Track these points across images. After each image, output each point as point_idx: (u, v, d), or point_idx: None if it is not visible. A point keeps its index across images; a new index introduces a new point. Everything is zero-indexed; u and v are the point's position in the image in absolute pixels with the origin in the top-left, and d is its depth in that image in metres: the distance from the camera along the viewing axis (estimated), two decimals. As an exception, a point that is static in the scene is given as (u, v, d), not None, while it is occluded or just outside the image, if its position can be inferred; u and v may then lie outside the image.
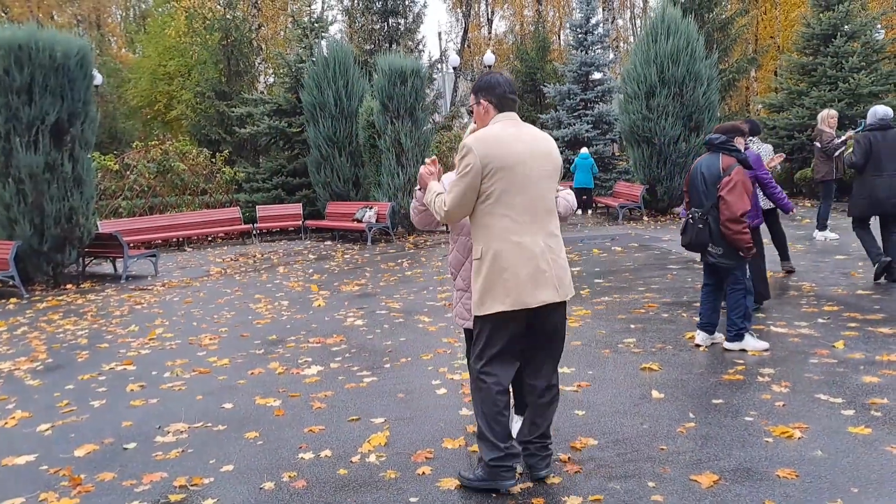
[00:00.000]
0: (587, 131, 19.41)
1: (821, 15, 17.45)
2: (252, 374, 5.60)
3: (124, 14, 37.27)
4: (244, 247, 15.46)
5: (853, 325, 5.87)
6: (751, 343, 5.35)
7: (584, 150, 17.97)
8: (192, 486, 3.62)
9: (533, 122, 24.75)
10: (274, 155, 18.63)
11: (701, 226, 5.23)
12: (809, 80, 17.63)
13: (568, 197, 3.63)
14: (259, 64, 25.10)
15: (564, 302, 3.33)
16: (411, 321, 7.11)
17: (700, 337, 5.60)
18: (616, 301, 7.49)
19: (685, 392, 4.62)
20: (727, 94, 22.01)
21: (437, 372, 5.34)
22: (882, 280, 7.36)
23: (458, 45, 34.22)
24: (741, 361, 5.12)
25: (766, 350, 5.31)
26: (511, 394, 3.55)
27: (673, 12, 15.11)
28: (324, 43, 17.39)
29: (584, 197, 18.07)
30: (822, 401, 4.27)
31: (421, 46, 23.23)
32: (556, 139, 19.99)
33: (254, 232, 16.48)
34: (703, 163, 5.34)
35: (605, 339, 5.98)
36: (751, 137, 8.69)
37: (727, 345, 5.42)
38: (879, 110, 7.30)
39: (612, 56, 26.93)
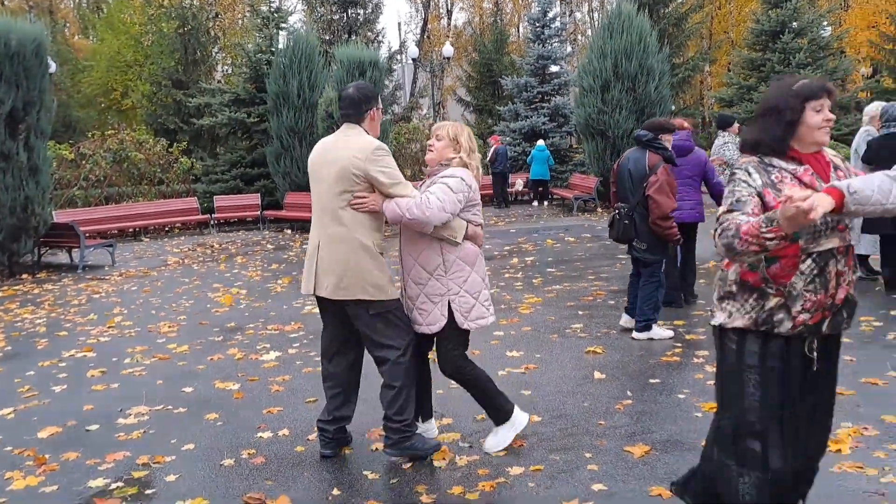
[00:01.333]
0: (544, 124, 19.75)
1: (770, 12, 18.05)
2: (211, 359, 5.74)
3: (78, 0, 36.45)
4: (202, 237, 15.43)
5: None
6: (657, 332, 5.60)
7: (541, 142, 18.30)
8: (154, 463, 3.79)
9: (490, 114, 25.10)
10: (232, 145, 18.56)
11: (627, 221, 5.45)
12: (759, 76, 18.24)
13: (400, 203, 3.38)
14: (216, 53, 24.86)
15: (368, 301, 3.44)
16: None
17: (624, 318, 5.94)
18: (566, 289, 7.79)
19: (625, 373, 4.92)
20: (682, 89, 22.57)
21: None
22: None
23: (418, 37, 34.31)
24: (679, 345, 5.44)
25: (671, 338, 5.54)
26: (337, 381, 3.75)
27: (628, 8, 15.47)
28: (284, 33, 17.36)
29: (541, 188, 18.42)
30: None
31: (380, 37, 23.30)
32: (514, 131, 20.31)
33: (211, 222, 16.44)
34: (631, 158, 5.53)
35: (553, 325, 6.26)
36: (721, 131, 9.08)
37: (635, 335, 5.64)
38: (889, 109, 7.63)
39: (569, 49, 27.34)
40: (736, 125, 8.97)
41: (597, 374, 4.85)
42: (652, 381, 4.70)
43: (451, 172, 3.52)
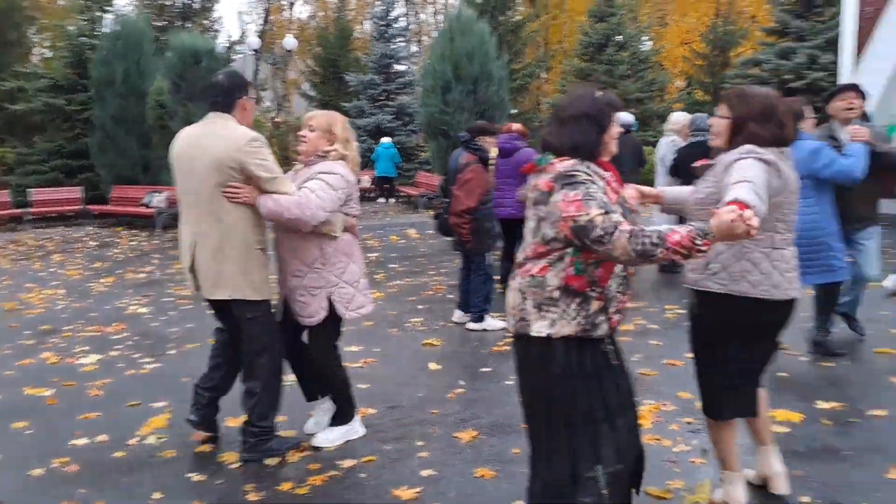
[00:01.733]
0: (389, 121, 19.88)
1: (596, 24, 19.29)
2: (21, 364, 5.27)
3: None
4: (14, 234, 14.06)
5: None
6: (490, 323, 5.85)
7: (387, 139, 18.41)
8: (-53, 480, 3.42)
9: (335, 110, 24.81)
10: (51, 135, 17.06)
11: (446, 216, 5.72)
12: (587, 84, 19.44)
13: (279, 201, 3.27)
14: (33, 35, 22.70)
15: (248, 301, 3.35)
16: (201, 308, 6.99)
17: (456, 314, 6.12)
18: (408, 284, 7.91)
19: (459, 363, 5.08)
20: (521, 94, 23.53)
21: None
22: None
23: (259, 27, 33.28)
24: (510, 335, 5.69)
25: (503, 329, 5.75)
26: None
27: (468, 13, 15.93)
28: (111, 16, 16.19)
29: (387, 186, 18.53)
30: (571, 365, 4.91)
31: (218, 26, 22.35)
32: (359, 128, 20.25)
33: (26, 217, 15.02)
34: (454, 158, 5.84)
35: (393, 319, 6.34)
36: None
37: (470, 325, 5.88)
38: (622, 116, 8.32)
39: (414, 49, 27.71)
40: None
41: (432, 366, 4.98)
42: (484, 369, 4.89)
43: (330, 168, 3.44)
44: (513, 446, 3.63)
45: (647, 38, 22.18)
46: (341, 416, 3.78)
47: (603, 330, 2.34)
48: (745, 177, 2.46)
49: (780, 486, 3.03)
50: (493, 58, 15.97)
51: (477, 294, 5.81)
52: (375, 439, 3.77)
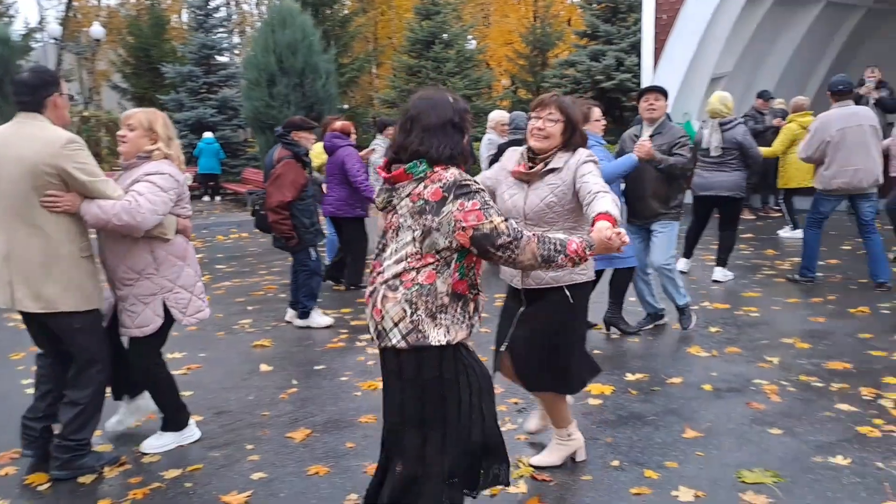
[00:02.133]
0: (212, 115, 19.01)
1: (422, 22, 19.61)
2: None
3: None
4: None
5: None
6: (316, 319, 5.79)
7: (209, 134, 17.60)
8: None
9: (151, 103, 23.37)
10: None
11: (263, 212, 5.63)
12: (417, 81, 19.73)
13: (104, 207, 3.07)
14: None
15: (73, 313, 3.14)
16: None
17: (289, 313, 6.02)
18: (236, 285, 7.64)
19: (292, 362, 5.00)
20: (351, 88, 23.42)
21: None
22: None
23: (61, 13, 30.53)
24: (345, 331, 5.69)
25: (329, 325, 5.76)
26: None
27: (290, 5, 15.62)
28: None
29: (212, 183, 17.73)
30: (403, 356, 5.00)
31: (12, 11, 20.24)
32: (179, 122, 19.20)
33: None
34: (271, 153, 5.79)
35: (220, 322, 6.10)
36: (379, 134, 9.54)
37: (297, 322, 5.81)
38: None
39: (237, 40, 26.69)
40: (390, 129, 9.59)
41: (263, 367, 4.86)
42: (317, 367, 4.85)
43: (157, 168, 3.25)
44: (347, 440, 3.64)
45: (471, 36, 22.89)
46: (173, 423, 3.62)
47: (476, 328, 2.46)
48: (603, 187, 2.76)
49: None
50: (318, 51, 15.79)
51: (301, 290, 5.75)
52: (202, 447, 3.63)
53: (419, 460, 2.39)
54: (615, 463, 3.29)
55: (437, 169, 2.29)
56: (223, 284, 7.67)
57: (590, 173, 2.87)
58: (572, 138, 2.99)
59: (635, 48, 16.14)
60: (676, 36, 11.68)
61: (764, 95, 10.39)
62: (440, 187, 2.26)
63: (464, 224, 2.23)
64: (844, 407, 3.79)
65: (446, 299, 2.32)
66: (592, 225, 2.49)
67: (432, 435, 2.39)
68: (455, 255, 2.32)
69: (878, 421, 3.59)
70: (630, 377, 4.37)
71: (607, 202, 2.61)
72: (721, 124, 6.34)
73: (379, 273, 2.39)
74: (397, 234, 2.35)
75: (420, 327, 2.30)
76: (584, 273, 3.05)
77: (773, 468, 3.17)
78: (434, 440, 2.39)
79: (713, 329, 5.30)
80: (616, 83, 17.46)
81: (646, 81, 12.14)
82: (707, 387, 4.17)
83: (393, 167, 2.38)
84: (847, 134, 6.08)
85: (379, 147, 9.28)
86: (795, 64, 12.92)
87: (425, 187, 2.27)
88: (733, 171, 6.33)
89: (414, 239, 2.30)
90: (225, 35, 21.18)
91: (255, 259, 9.23)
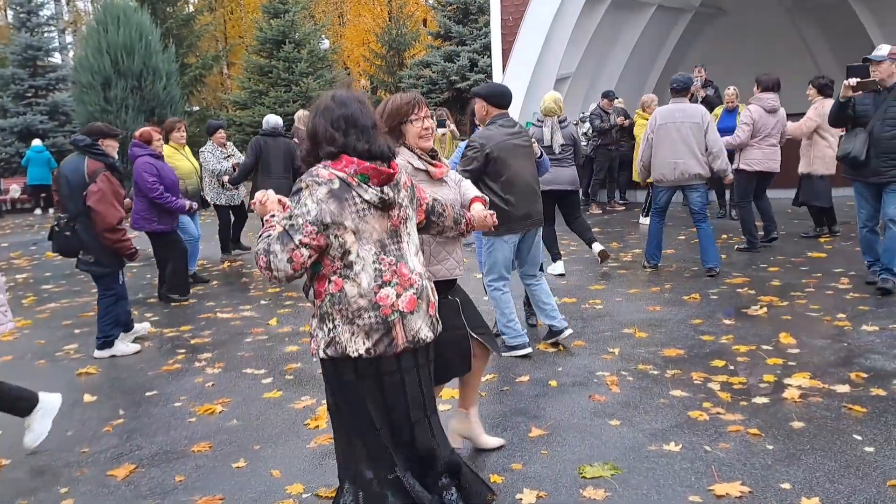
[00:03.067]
0: (41, 122, 17.49)
1: (271, 21, 19.00)
2: None
3: None
4: None
5: (289, 303, 6.62)
6: (121, 348, 5.29)
7: (38, 141, 16.17)
8: None
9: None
10: None
11: (69, 233, 5.00)
12: (268, 81, 19.09)
13: None
14: None
15: None
16: None
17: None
18: (64, 306, 7.00)
19: (121, 390, 4.59)
20: (197, 89, 22.32)
21: None
22: None
23: None
24: (182, 351, 5.32)
25: (138, 352, 5.31)
26: None
27: (125, 3, 14.65)
28: None
29: (43, 194, 16.30)
30: (247, 374, 4.72)
31: None
32: (4, 129, 17.54)
33: None
34: (68, 165, 5.09)
35: (42, 349, 5.54)
36: (210, 138, 9.04)
37: (96, 353, 5.25)
38: (271, 119, 8.38)
39: (69, 40, 24.75)
40: (220, 133, 9.11)
41: (87, 397, 4.43)
42: (148, 393, 4.48)
43: None
44: (176, 474, 3.36)
45: (324, 36, 22.46)
46: (22, 409, 3.59)
47: None
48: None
49: (489, 442, 3.44)
50: (157, 51, 14.93)
51: (104, 318, 5.19)
52: (6, 496, 3.22)
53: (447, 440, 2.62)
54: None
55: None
56: (49, 306, 6.99)
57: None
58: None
59: (487, 49, 16.45)
60: (522, 37, 11.96)
61: (609, 95, 10.93)
62: (405, 172, 2.58)
63: (420, 199, 2.61)
64: (677, 393, 3.94)
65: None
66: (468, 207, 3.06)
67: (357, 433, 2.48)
68: None
69: (706, 404, 3.76)
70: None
71: (473, 188, 3.27)
72: (560, 122, 6.57)
73: (412, 271, 2.42)
74: (407, 226, 2.47)
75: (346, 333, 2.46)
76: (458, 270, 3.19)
77: (611, 460, 3.22)
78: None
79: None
80: (471, 83, 17.71)
81: (497, 82, 12.37)
82: (553, 383, 4.22)
83: (378, 163, 2.35)
84: (669, 130, 6.47)
85: (208, 154, 8.81)
86: (633, 64, 13.62)
87: (401, 176, 2.48)
88: (571, 166, 6.72)
89: (418, 224, 2.61)
90: (54, 35, 19.56)
91: (87, 277, 8.46)
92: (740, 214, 7.68)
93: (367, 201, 2.31)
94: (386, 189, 2.35)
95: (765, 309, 5.41)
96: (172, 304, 6.72)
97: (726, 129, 9.15)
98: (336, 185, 2.29)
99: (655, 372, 4.29)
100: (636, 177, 9.48)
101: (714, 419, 3.58)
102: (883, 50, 5.37)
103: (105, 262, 5.07)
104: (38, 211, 16.33)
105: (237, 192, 8.94)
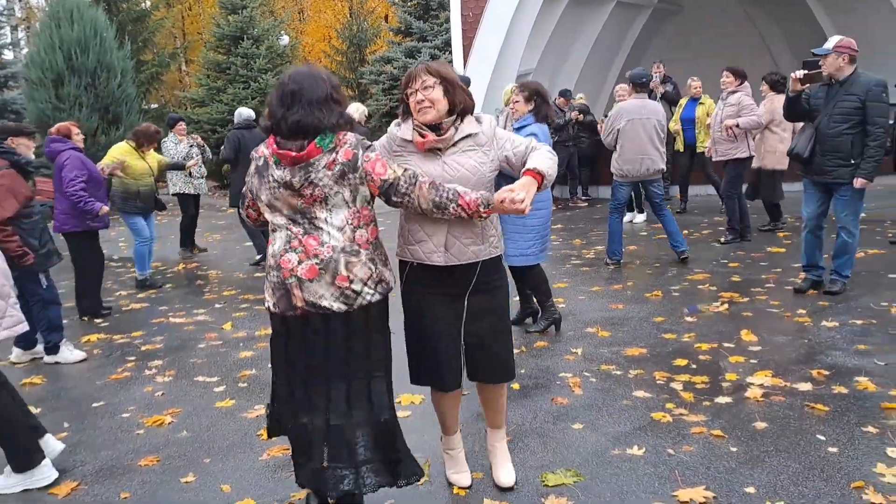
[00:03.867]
0: (-9, 121, 16.91)
1: (229, 17, 18.64)
2: None
3: None
4: None
5: (245, 305, 6.43)
6: (66, 355, 5.12)
7: (-13, 142, 15.61)
8: None
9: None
10: None
11: None
12: (226, 78, 18.72)
13: None
14: None
15: None
16: None
17: (14, 352, 5.24)
18: (10, 313, 6.69)
19: (66, 401, 4.40)
20: (154, 87, 21.81)
21: None
22: None
23: None
24: (132, 358, 5.12)
25: (83, 360, 5.14)
26: None
27: (77, -3, 14.20)
28: None
29: None
30: (199, 383, 4.55)
31: None
32: (-50, 129, 16.91)
33: None
34: None
35: (-16, 359, 5.28)
36: (171, 130, 8.83)
37: (46, 358, 5.12)
38: (244, 112, 8.21)
39: (21, 36, 23.96)
40: (181, 124, 8.91)
41: (31, 409, 4.19)
42: (95, 404, 4.29)
43: None
44: (122, 490, 3.20)
45: (284, 32, 22.11)
46: (18, 461, 3.30)
47: None
48: (532, 142, 2.82)
49: (499, 477, 3.07)
50: (112, 48, 14.51)
51: (40, 324, 4.98)
52: (-64, 521, 3.03)
53: (391, 405, 2.71)
54: (422, 481, 3.11)
55: (339, 135, 2.53)
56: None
57: (511, 136, 2.82)
58: (456, 97, 2.73)
59: (449, 45, 16.33)
60: (483, 33, 11.88)
61: (565, 95, 11.00)
62: (349, 148, 2.52)
63: (372, 175, 2.53)
64: (640, 394, 3.89)
65: (382, 247, 2.68)
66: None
67: (386, 378, 2.70)
68: (372, 205, 2.65)
69: (670, 405, 3.71)
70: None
71: (539, 157, 2.67)
72: None
73: (322, 244, 2.52)
74: (325, 204, 2.53)
75: (383, 277, 2.64)
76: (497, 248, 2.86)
77: (574, 466, 3.15)
78: (388, 382, 2.72)
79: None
80: (432, 80, 17.57)
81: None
82: (515, 386, 4.12)
83: (291, 145, 2.50)
84: (636, 126, 6.51)
85: (170, 144, 8.64)
86: (594, 60, 13.64)
87: (337, 153, 2.50)
88: None
89: (346, 201, 2.54)
90: (5, 31, 18.93)
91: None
92: (728, 205, 7.64)
93: (276, 180, 2.54)
94: (292, 172, 2.50)
95: (726, 305, 5.40)
96: (96, 320, 6.31)
97: (689, 119, 9.25)
98: (261, 162, 2.62)
99: (618, 372, 4.23)
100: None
101: (677, 421, 3.53)
102: (829, 43, 5.23)
103: (16, 265, 4.71)
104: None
105: (203, 182, 8.73)
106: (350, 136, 2.56)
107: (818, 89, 5.33)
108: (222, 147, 8.20)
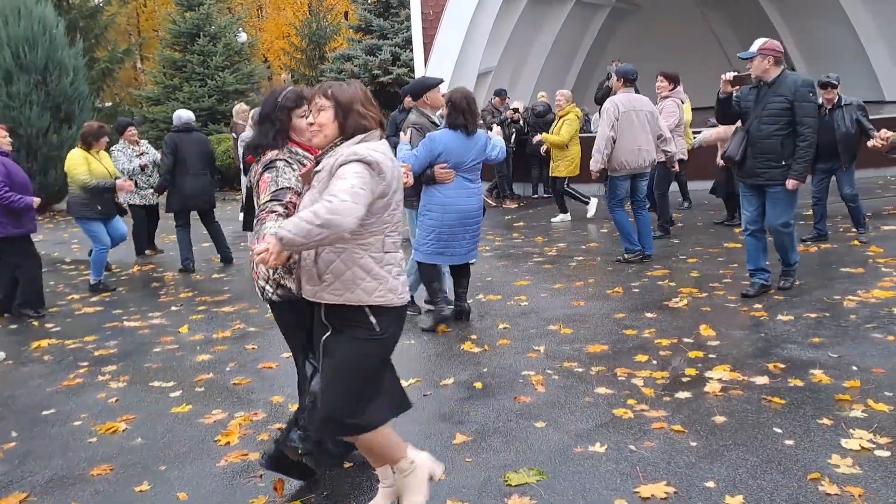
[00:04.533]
0: (-65, 120, 16.33)
1: (185, 14, 18.32)
2: None
3: None
4: None
5: (202, 308, 6.30)
6: None
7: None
8: None
9: None
10: None
11: None
12: (182, 76, 18.40)
13: None
14: None
15: None
16: None
17: None
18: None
19: (14, 409, 4.25)
20: (107, 84, 21.30)
21: None
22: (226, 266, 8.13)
23: None
24: (85, 364, 4.97)
25: (2, 360, 5.06)
26: None
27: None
28: None
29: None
30: (154, 388, 4.43)
31: None
32: None
33: None
34: None
35: (-73, 368, 5.08)
36: (120, 137, 8.61)
37: None
38: (183, 115, 7.97)
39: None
40: (132, 129, 8.68)
41: (-24, 420, 4.06)
42: (45, 412, 4.14)
43: None
44: (73, 501, 3.09)
45: (241, 29, 21.81)
46: None
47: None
48: (334, 195, 2.37)
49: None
50: (63, 45, 14.14)
51: None
52: None
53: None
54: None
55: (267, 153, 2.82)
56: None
57: (342, 179, 2.41)
58: (346, 122, 2.56)
59: (410, 43, 16.28)
60: (443, 31, 11.87)
61: (501, 94, 11.31)
62: (261, 165, 2.81)
63: (260, 194, 2.75)
64: (602, 390, 3.90)
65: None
66: None
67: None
68: None
69: (631, 401, 3.73)
70: (403, 382, 4.18)
71: (292, 219, 2.37)
72: None
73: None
74: (258, 209, 2.79)
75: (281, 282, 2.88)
76: (377, 294, 2.58)
77: (537, 465, 3.13)
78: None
79: (486, 322, 5.32)
80: (393, 77, 17.52)
81: (419, 75, 12.23)
82: (478, 385, 4.11)
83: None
84: (631, 117, 6.59)
85: (119, 153, 8.44)
86: (553, 59, 13.74)
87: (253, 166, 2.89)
88: None
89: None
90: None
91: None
92: (661, 203, 7.95)
93: None
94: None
95: (685, 301, 5.46)
96: (30, 319, 6.18)
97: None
98: None
99: (580, 369, 4.24)
100: (558, 172, 9.45)
101: (639, 417, 3.55)
102: (754, 46, 5.20)
103: None
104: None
105: (149, 192, 8.54)
106: (269, 154, 2.82)
107: (748, 92, 5.31)
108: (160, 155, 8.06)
